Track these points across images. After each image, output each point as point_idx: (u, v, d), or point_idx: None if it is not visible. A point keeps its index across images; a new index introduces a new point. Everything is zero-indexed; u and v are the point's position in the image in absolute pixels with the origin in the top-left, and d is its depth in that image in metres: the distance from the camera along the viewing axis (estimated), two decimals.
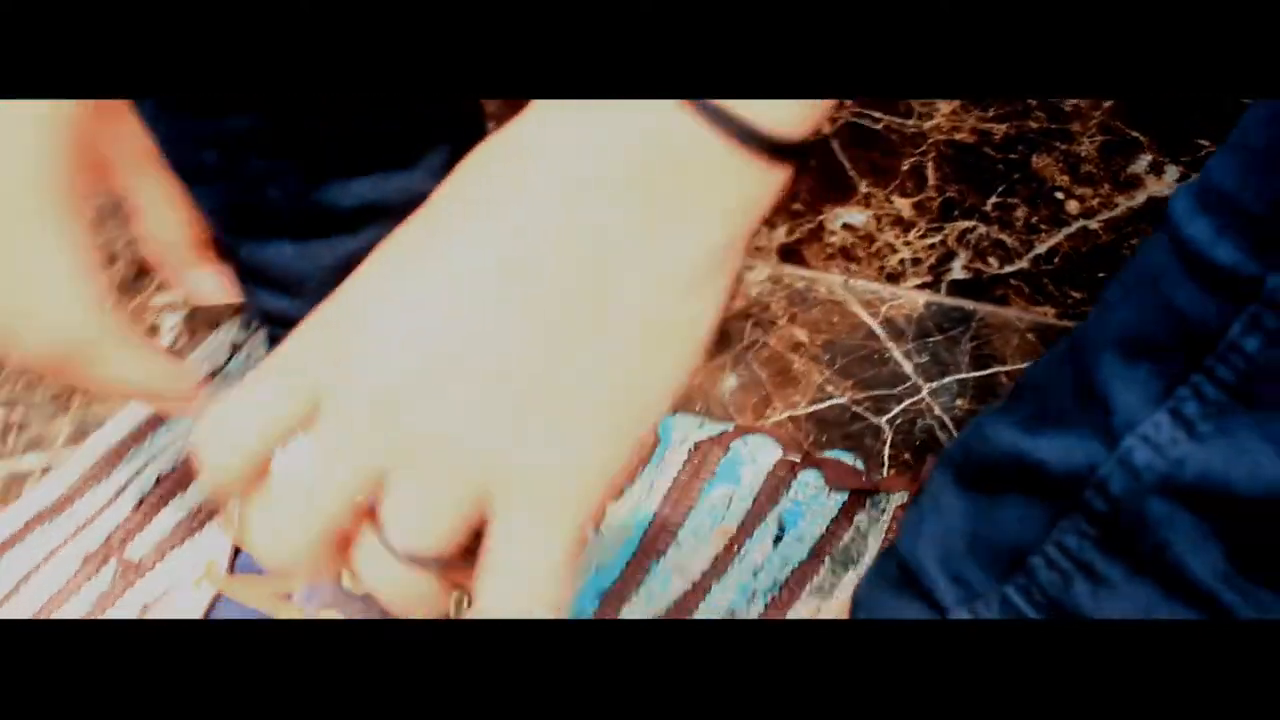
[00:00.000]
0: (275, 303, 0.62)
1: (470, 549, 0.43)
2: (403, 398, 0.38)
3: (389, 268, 0.40)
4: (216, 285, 0.60)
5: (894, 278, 0.87)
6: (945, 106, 0.78)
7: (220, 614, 0.61)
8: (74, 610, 0.72)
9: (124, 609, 0.72)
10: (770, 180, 0.39)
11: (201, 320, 0.89)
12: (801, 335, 0.85)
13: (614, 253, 0.38)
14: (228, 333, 0.86)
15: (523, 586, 0.40)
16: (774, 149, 0.38)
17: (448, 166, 0.57)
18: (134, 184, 0.58)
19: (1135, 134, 0.85)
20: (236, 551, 0.62)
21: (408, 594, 0.41)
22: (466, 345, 0.38)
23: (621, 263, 0.38)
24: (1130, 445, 0.46)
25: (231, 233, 0.61)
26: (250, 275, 0.62)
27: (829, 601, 0.69)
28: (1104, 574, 0.49)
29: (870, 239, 0.86)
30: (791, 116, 0.38)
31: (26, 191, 0.50)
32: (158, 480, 0.78)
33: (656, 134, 0.37)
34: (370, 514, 0.40)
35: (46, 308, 0.51)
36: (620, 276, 0.38)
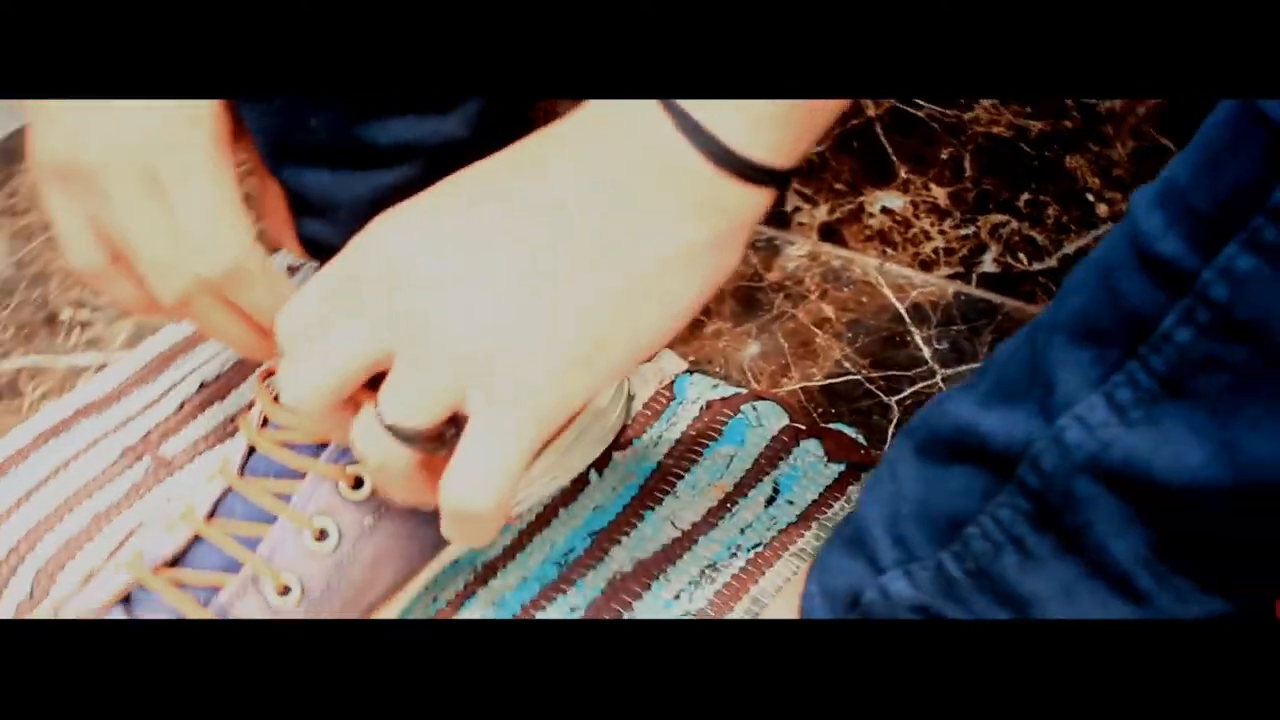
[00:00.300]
0: (311, 226, 0.66)
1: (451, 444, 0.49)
2: (420, 298, 0.47)
3: (442, 198, 0.49)
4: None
5: (927, 265, 0.89)
6: (986, 99, 0.80)
7: (227, 509, 0.65)
8: (107, 497, 0.77)
9: (152, 500, 0.77)
10: (748, 197, 0.47)
11: (264, 244, 0.93)
12: (829, 311, 0.87)
13: (608, 233, 0.47)
14: (285, 256, 0.91)
15: (476, 474, 0.48)
16: (753, 174, 0.46)
17: (481, 115, 0.63)
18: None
19: (1166, 141, 0.86)
20: (250, 453, 0.66)
21: (386, 464, 0.50)
22: (481, 273, 0.47)
23: (613, 241, 0.47)
24: (1064, 424, 0.49)
25: (276, 156, 0.65)
26: (290, 198, 0.66)
27: (807, 565, 0.72)
28: (1032, 549, 0.52)
29: (907, 224, 0.88)
30: (774, 147, 0.46)
31: (195, 149, 0.59)
32: (200, 387, 0.83)
33: (656, 149, 0.46)
34: (374, 393, 0.49)
35: (213, 236, 0.60)
36: (611, 250, 0.47)
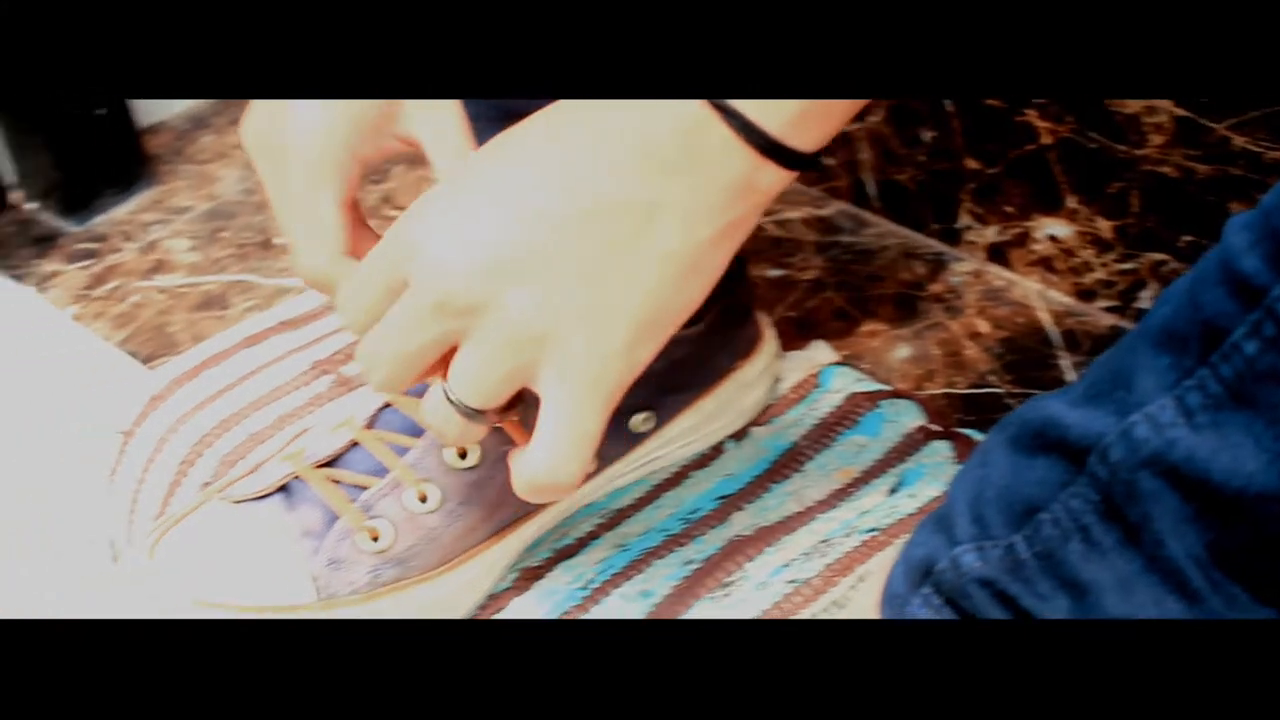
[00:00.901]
0: None
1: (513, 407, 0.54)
2: (482, 283, 0.50)
3: (488, 183, 0.52)
4: None
5: (1087, 295, 0.91)
6: (1157, 138, 0.82)
7: (385, 421, 0.71)
8: (289, 403, 0.85)
9: (328, 412, 0.84)
10: (781, 178, 0.51)
11: None
12: (983, 327, 0.91)
13: (664, 216, 0.50)
14: None
15: (556, 451, 0.53)
16: (790, 160, 0.50)
17: None
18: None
19: None
20: None
21: (458, 437, 0.55)
22: (543, 255, 0.50)
23: (668, 224, 0.50)
24: (1135, 420, 0.52)
25: (478, 120, 0.71)
26: None
27: None
28: (1098, 539, 0.55)
29: (1071, 253, 0.91)
30: (810, 136, 0.50)
31: (318, 153, 0.59)
32: None
33: (704, 141, 0.50)
34: (446, 365, 0.53)
35: (306, 246, 0.60)
36: (666, 231, 0.51)
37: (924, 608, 0.63)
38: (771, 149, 0.50)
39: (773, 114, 0.49)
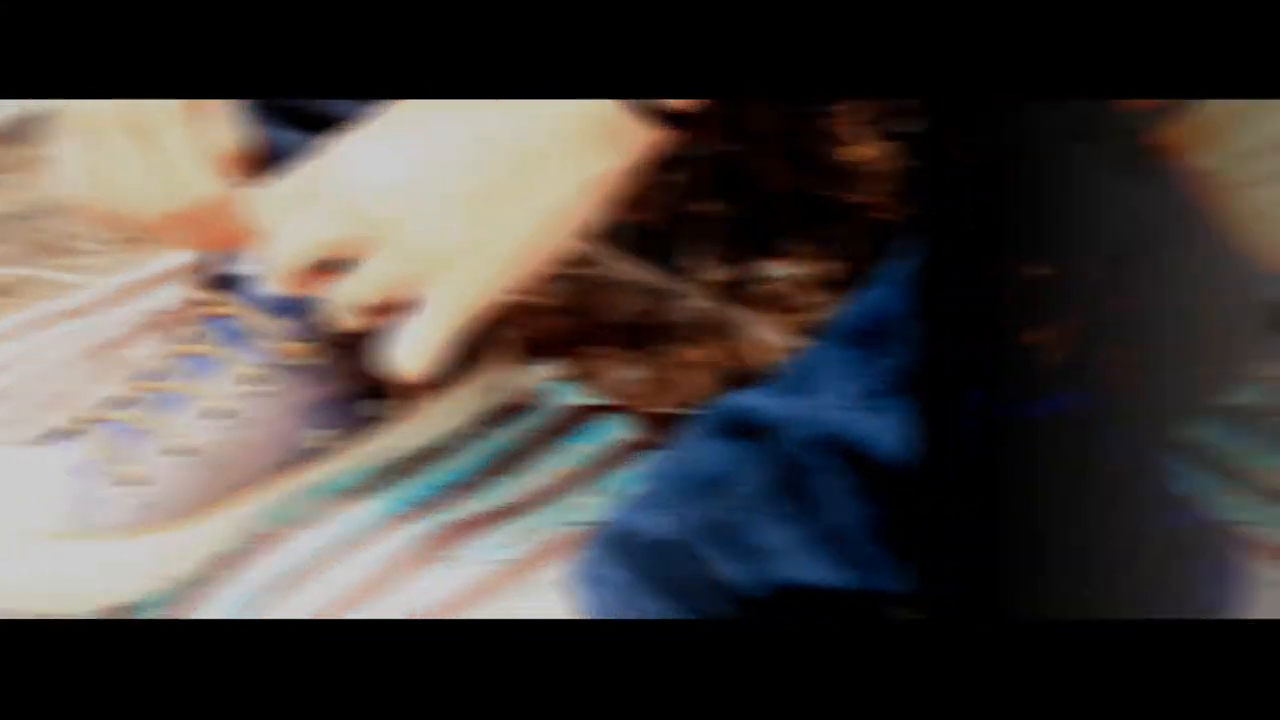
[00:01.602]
0: None
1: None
2: (386, 205, 0.58)
3: (403, 125, 0.59)
4: None
5: (809, 333, 1.02)
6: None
7: (155, 377, 0.80)
8: (67, 378, 0.93)
9: (102, 388, 0.92)
10: (636, 130, 0.56)
11: None
12: (705, 356, 1.01)
13: (536, 165, 0.57)
14: None
15: (412, 347, 0.60)
16: (657, 117, 0.56)
17: None
18: None
19: None
20: None
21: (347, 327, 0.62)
22: (433, 187, 0.57)
23: (538, 173, 0.57)
24: (819, 403, 0.61)
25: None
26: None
27: None
28: (773, 509, 0.64)
29: (793, 293, 1.02)
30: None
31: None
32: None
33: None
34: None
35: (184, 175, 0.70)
36: (537, 179, 0.57)
37: (610, 566, 0.71)
38: (642, 103, 0.55)
39: None
